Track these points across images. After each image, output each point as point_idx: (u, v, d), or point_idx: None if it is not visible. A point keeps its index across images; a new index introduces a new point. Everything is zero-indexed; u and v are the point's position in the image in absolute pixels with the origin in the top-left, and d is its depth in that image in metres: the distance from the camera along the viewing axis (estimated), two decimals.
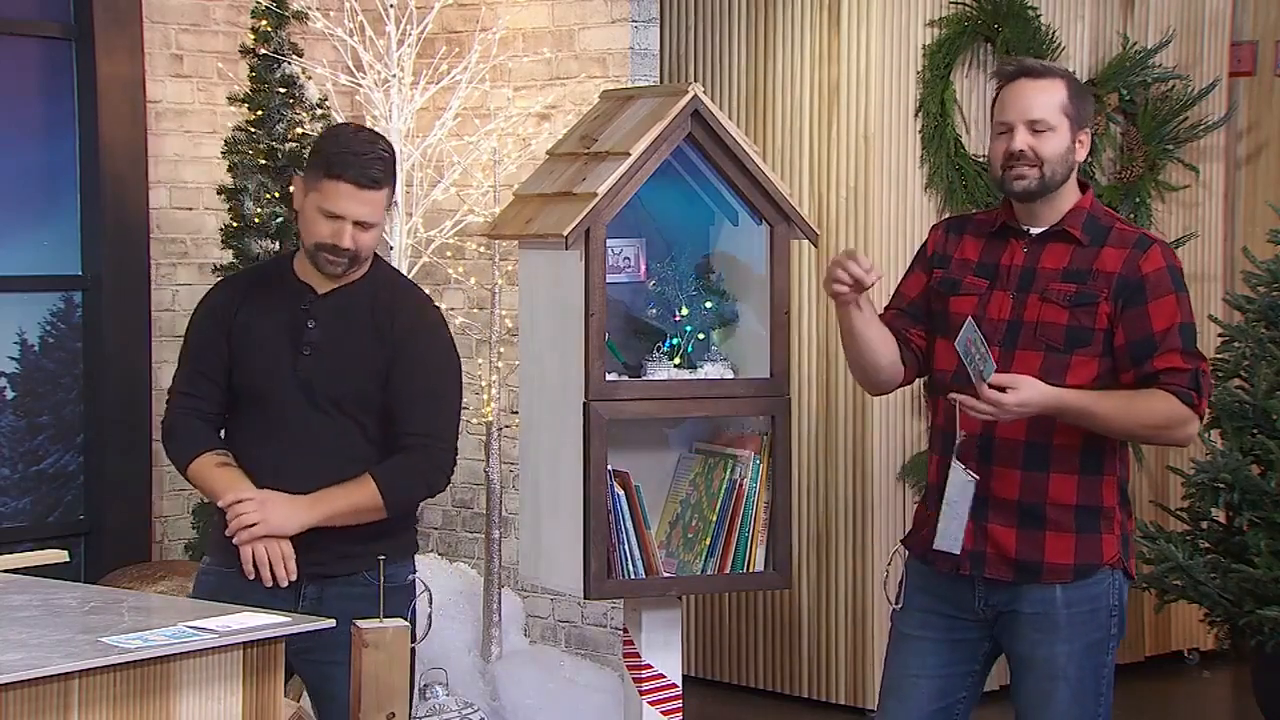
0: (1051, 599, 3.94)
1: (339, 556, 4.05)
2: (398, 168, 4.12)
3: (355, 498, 4.02)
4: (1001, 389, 3.78)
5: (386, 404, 4.06)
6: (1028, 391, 3.80)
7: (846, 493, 6.72)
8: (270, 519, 3.97)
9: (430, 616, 4.01)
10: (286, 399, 4.04)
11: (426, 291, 4.31)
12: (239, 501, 3.99)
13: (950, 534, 3.88)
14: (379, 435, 4.07)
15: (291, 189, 4.20)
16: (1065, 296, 3.91)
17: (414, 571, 4.16)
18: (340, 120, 6.45)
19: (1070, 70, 4.11)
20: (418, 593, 4.07)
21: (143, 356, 6.42)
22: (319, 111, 6.36)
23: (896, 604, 4.09)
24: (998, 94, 4.00)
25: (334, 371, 4.04)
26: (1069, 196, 3.99)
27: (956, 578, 3.98)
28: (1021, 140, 3.92)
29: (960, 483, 3.85)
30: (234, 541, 3.99)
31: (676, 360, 4.39)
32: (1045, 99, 3.93)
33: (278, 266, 4.22)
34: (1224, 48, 7.68)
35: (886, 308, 4.17)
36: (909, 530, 4.16)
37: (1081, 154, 3.98)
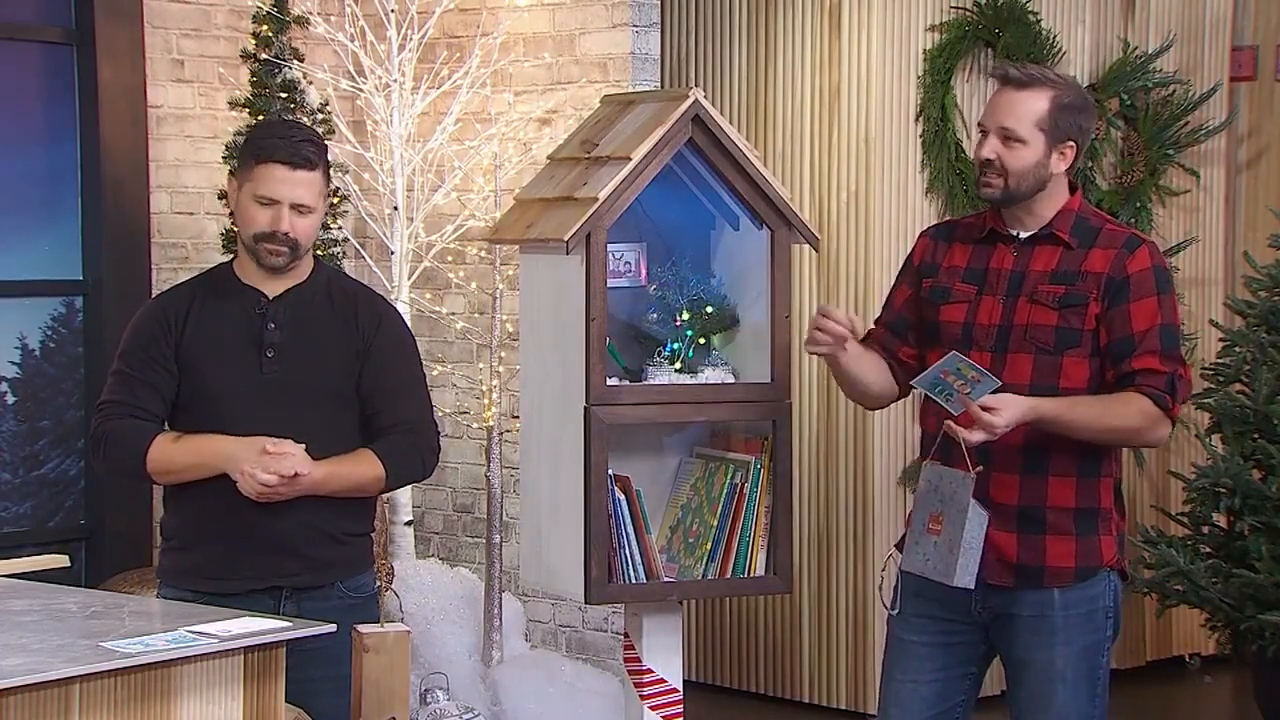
0: (1049, 602, 3.94)
1: (310, 566, 4.03)
2: (328, 155, 4.09)
3: (356, 466, 4.02)
4: (988, 409, 3.78)
5: (364, 395, 4.06)
6: (1010, 410, 3.80)
7: (847, 497, 6.72)
8: (302, 482, 3.93)
9: (403, 620, 4.02)
10: (249, 404, 3.98)
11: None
12: (285, 453, 3.89)
13: (969, 570, 3.86)
14: (347, 429, 4.05)
15: (224, 192, 4.14)
16: (1054, 298, 3.91)
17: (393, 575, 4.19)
18: (341, 126, 6.46)
19: (1069, 79, 4.07)
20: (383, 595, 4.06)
21: None
22: (320, 116, 6.37)
23: (892, 610, 4.09)
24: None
25: (306, 370, 4.02)
26: (1053, 201, 3.98)
27: None
28: (990, 148, 3.93)
29: (979, 519, 3.85)
30: (260, 483, 3.89)
31: (677, 365, 4.38)
32: (1022, 110, 3.91)
33: (220, 274, 4.15)
34: (1225, 52, 7.69)
35: (876, 321, 4.19)
36: (903, 536, 4.16)
37: (1060, 166, 3.95)
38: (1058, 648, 3.94)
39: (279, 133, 4.06)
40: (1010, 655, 4.01)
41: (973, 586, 3.88)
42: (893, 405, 6.49)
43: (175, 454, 3.99)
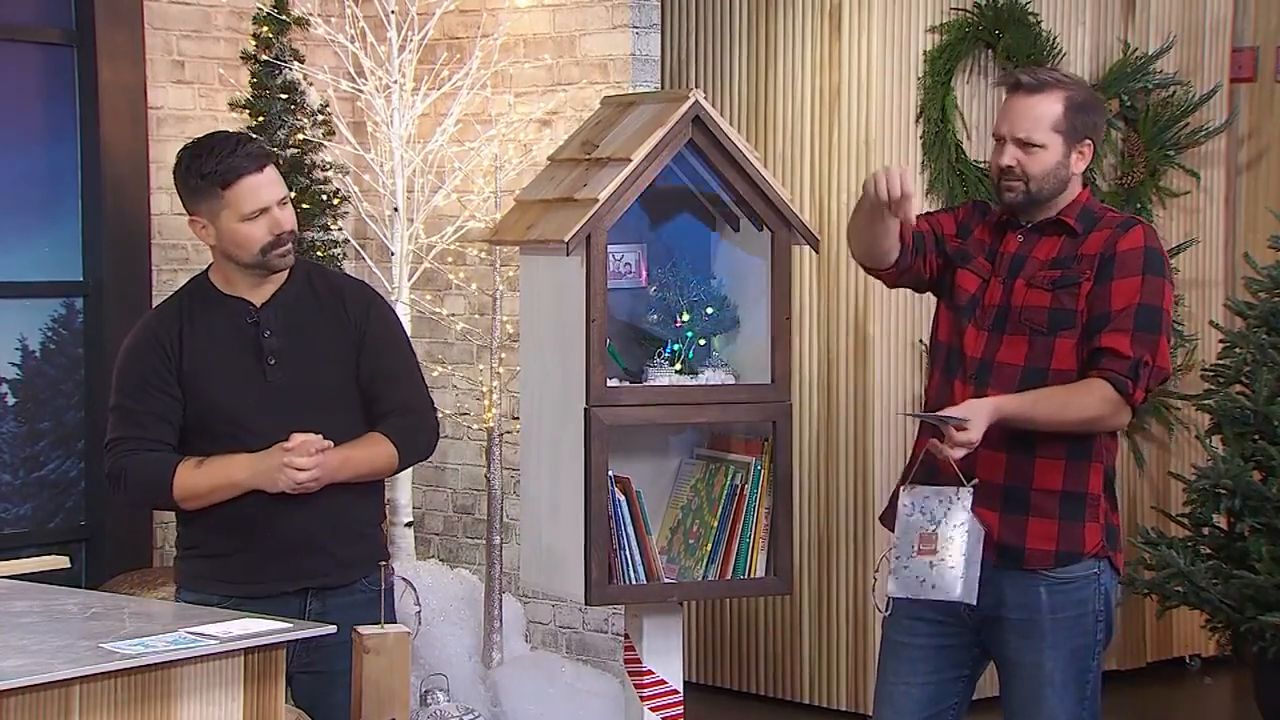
0: (1037, 604, 3.95)
1: (338, 564, 4.05)
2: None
3: (370, 448, 4.04)
4: (962, 427, 3.81)
5: (362, 384, 4.07)
6: (978, 417, 3.82)
7: (847, 498, 6.72)
8: (323, 473, 3.95)
9: (419, 615, 4.02)
10: (259, 414, 3.98)
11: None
12: (305, 441, 3.90)
13: (973, 585, 3.87)
14: (355, 422, 4.06)
15: (195, 230, 4.07)
16: (1050, 280, 3.94)
17: (394, 573, 4.20)
18: (341, 127, 6.46)
19: (1078, 78, 4.10)
20: (399, 591, 4.07)
21: None
22: (320, 117, 6.37)
23: (885, 611, 4.09)
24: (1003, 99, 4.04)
25: (309, 372, 4.03)
26: (1067, 195, 4.02)
27: None
28: (1010, 156, 3.95)
29: (978, 533, 3.86)
30: (298, 469, 3.89)
31: (678, 366, 4.38)
32: (1037, 114, 3.93)
33: (200, 288, 4.11)
34: (1225, 53, 7.69)
35: (921, 216, 4.11)
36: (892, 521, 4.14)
37: (1080, 165, 3.99)
38: (1045, 651, 3.95)
39: (223, 150, 3.98)
40: (1000, 658, 4.02)
41: (975, 601, 3.88)
42: (892, 406, 6.57)
43: (201, 479, 3.98)
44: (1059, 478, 3.94)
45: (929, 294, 4.21)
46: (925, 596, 3.90)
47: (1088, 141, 3.98)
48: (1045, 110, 3.93)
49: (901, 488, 3.96)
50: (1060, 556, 3.94)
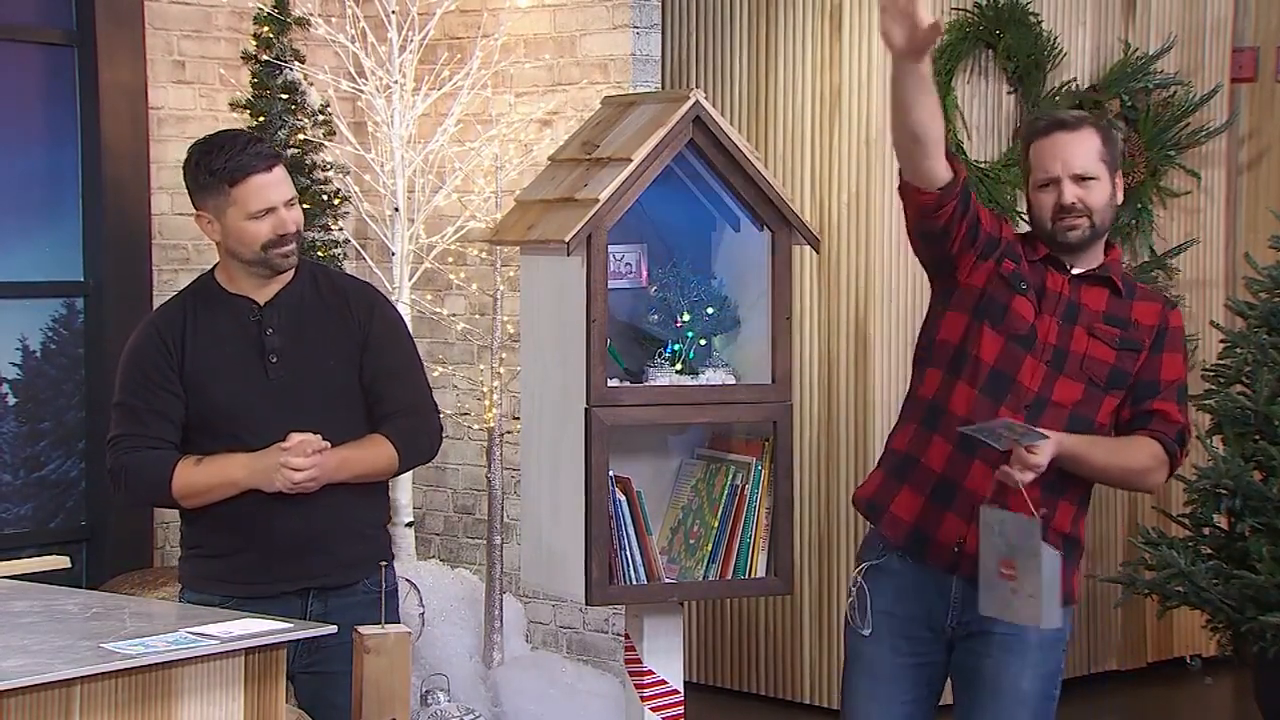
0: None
1: (339, 565, 4.05)
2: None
3: (370, 450, 4.05)
4: (1033, 449, 3.82)
5: (365, 384, 4.08)
6: (1047, 447, 3.84)
7: (847, 499, 6.72)
8: (327, 461, 3.96)
9: (423, 617, 4.03)
10: (261, 413, 3.99)
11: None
12: (302, 441, 3.90)
13: (1055, 609, 3.86)
14: (358, 421, 4.07)
15: (202, 226, 4.07)
16: (1114, 339, 3.99)
17: (395, 573, 4.21)
18: (342, 127, 6.46)
19: (1098, 116, 4.15)
20: (402, 591, 4.08)
21: None
22: (320, 118, 6.37)
23: (866, 630, 4.07)
24: (1029, 146, 4.03)
25: (311, 371, 4.04)
26: (1100, 248, 4.06)
27: (934, 592, 3.99)
28: (1071, 193, 3.97)
29: (1052, 559, 3.84)
30: (295, 469, 3.91)
31: (678, 366, 4.38)
32: (1086, 148, 3.99)
33: (204, 286, 4.12)
34: (1225, 54, 7.69)
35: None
36: (883, 514, 4.07)
37: (1120, 196, 4.06)
38: (1028, 670, 3.98)
39: (233, 148, 4.00)
40: (978, 673, 4.01)
41: (1060, 624, 3.93)
42: (893, 406, 6.54)
43: (199, 477, 3.99)
44: (1069, 521, 4.01)
45: (926, 293, 4.19)
46: (1011, 620, 3.88)
47: (1120, 172, 4.06)
48: (1090, 144, 3.99)
49: (983, 505, 3.91)
50: (1063, 596, 3.97)
